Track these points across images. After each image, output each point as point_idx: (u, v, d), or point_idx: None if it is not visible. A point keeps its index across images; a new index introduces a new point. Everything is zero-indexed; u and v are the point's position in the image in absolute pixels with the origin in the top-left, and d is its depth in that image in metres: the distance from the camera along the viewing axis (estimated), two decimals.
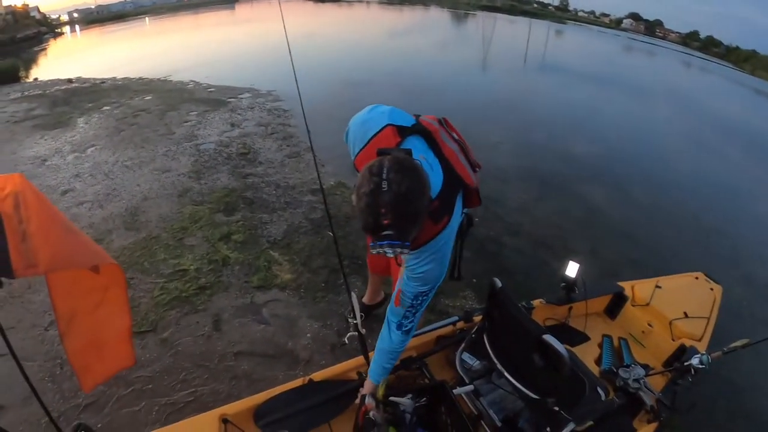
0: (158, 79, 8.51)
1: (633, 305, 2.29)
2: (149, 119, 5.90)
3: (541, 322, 2.13)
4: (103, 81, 8.47)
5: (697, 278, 2.50)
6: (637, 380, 1.83)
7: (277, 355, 2.34)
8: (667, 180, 5.73)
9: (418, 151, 1.23)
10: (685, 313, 2.17)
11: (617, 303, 2.30)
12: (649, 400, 1.78)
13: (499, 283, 1.58)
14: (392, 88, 8.15)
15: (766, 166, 7.46)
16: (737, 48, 44.37)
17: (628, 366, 1.92)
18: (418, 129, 1.29)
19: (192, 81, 8.25)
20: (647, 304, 2.25)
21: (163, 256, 3.04)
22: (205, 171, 4.34)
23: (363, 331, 1.68)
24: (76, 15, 32.58)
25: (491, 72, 12.38)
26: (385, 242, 1.00)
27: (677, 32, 53.83)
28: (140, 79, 8.61)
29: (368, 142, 1.29)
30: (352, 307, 1.68)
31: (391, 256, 1.03)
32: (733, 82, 22.56)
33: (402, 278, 1.34)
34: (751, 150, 8.23)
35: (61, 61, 13.47)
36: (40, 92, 7.56)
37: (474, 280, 3.02)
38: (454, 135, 1.43)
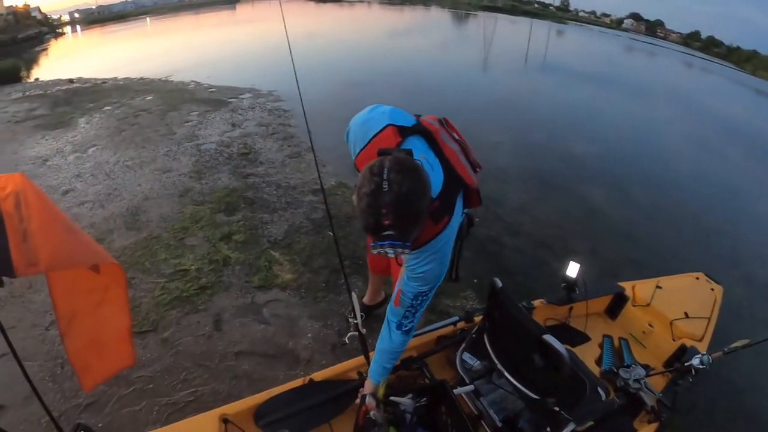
0: (159, 80, 8.52)
1: (634, 305, 2.29)
2: (150, 119, 5.90)
3: (541, 322, 2.12)
4: (104, 81, 8.48)
5: (697, 278, 2.50)
6: (637, 380, 1.83)
7: (278, 355, 2.34)
8: (667, 180, 5.73)
9: (419, 151, 1.23)
10: (685, 314, 2.16)
11: (618, 303, 2.30)
12: (649, 400, 1.78)
13: (499, 283, 1.58)
14: (393, 89, 8.15)
15: (767, 166, 7.45)
16: (738, 48, 44.36)
17: (628, 366, 1.92)
18: (419, 129, 1.29)
19: (193, 81, 8.26)
20: (648, 305, 2.25)
21: (164, 255, 3.05)
22: (206, 171, 4.35)
23: (363, 330, 1.68)
24: (77, 15, 32.61)
25: (492, 72, 12.38)
26: (386, 242, 1.00)
27: (678, 32, 53.85)
28: (141, 79, 8.62)
29: (369, 142, 1.29)
30: (353, 307, 1.68)
31: (392, 256, 1.03)
32: (734, 82, 22.55)
33: (402, 278, 1.34)
34: (752, 150, 8.23)
35: (62, 61, 13.49)
36: (41, 92, 7.58)
37: (475, 281, 3.02)
38: (455, 135, 1.43)
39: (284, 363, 2.29)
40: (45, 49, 17.30)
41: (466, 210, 1.42)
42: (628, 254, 3.74)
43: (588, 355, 2.06)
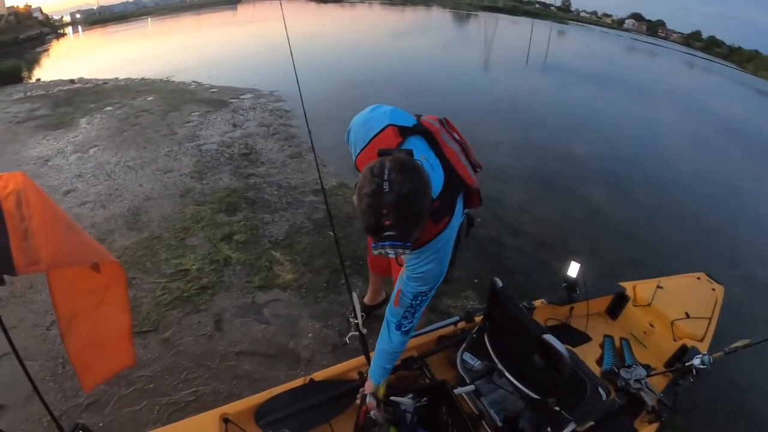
0: (160, 80, 8.53)
1: (634, 305, 2.29)
2: (151, 120, 5.91)
3: (542, 322, 2.12)
4: (105, 81, 8.50)
5: (698, 278, 2.50)
6: (638, 380, 1.83)
7: (279, 354, 2.34)
8: (668, 180, 5.72)
9: (419, 151, 1.23)
10: (686, 314, 2.16)
11: (619, 303, 2.29)
12: (650, 400, 1.78)
13: (499, 283, 1.58)
14: (394, 89, 8.16)
15: (767, 166, 7.44)
16: (740, 48, 44.21)
17: (629, 366, 1.92)
18: (420, 129, 1.29)
19: (194, 81, 8.27)
20: (649, 305, 2.25)
21: (165, 256, 3.05)
22: (207, 171, 4.35)
23: (364, 330, 1.68)
24: (78, 16, 32.66)
25: (493, 72, 12.38)
26: (387, 243, 1.00)
27: (679, 32, 53.68)
28: (142, 79, 8.63)
29: (369, 142, 1.29)
30: (354, 307, 1.68)
31: (393, 256, 1.03)
32: (736, 82, 22.50)
33: (402, 278, 1.34)
34: (752, 150, 8.21)
35: (63, 62, 13.52)
36: (42, 93, 7.59)
37: (475, 281, 3.02)
38: (455, 135, 1.43)
39: (285, 363, 2.29)
40: (46, 50, 17.33)
41: (466, 210, 1.42)
42: (629, 254, 3.74)
43: (589, 355, 2.05)
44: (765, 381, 2.61)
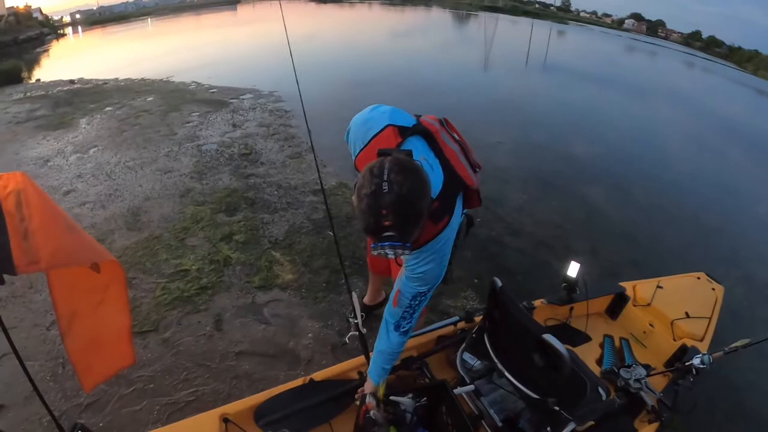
0: (160, 80, 8.52)
1: (634, 305, 2.29)
2: (151, 120, 5.92)
3: (542, 322, 2.13)
4: (105, 82, 8.49)
5: (698, 278, 2.50)
6: (638, 380, 1.83)
7: (278, 354, 2.34)
8: (667, 180, 5.72)
9: (419, 151, 1.23)
10: (686, 314, 2.16)
11: (619, 303, 2.29)
12: (650, 400, 1.78)
13: (499, 283, 1.58)
14: (394, 89, 8.15)
15: (767, 166, 7.44)
16: (739, 48, 44.23)
17: (629, 366, 1.92)
18: (419, 129, 1.29)
19: (194, 82, 8.26)
20: (649, 305, 2.25)
21: (165, 256, 3.05)
22: (207, 171, 4.36)
23: (364, 330, 1.68)
24: (78, 16, 32.59)
25: (493, 72, 12.38)
26: (387, 243, 1.00)
27: (679, 32, 53.70)
28: (142, 80, 8.63)
29: (369, 142, 1.29)
30: (353, 306, 1.68)
31: (392, 257, 1.03)
32: (735, 82, 22.50)
33: (401, 278, 1.34)
34: (752, 150, 8.22)
35: (63, 62, 13.51)
36: (42, 93, 7.59)
37: (475, 281, 3.02)
38: (455, 135, 1.43)
39: (285, 363, 2.29)
40: (46, 50, 17.30)
41: (465, 210, 1.42)
42: (629, 254, 3.74)
43: (589, 355, 2.06)
44: (764, 381, 2.62)
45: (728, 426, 2.34)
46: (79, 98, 7.14)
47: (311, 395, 1.59)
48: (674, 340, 2.08)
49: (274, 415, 1.52)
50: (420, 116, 1.41)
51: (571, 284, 2.16)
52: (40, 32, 22.60)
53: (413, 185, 0.98)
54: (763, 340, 1.78)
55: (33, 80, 9.48)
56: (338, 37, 16.87)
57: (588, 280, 2.16)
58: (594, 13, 60.92)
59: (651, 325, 2.17)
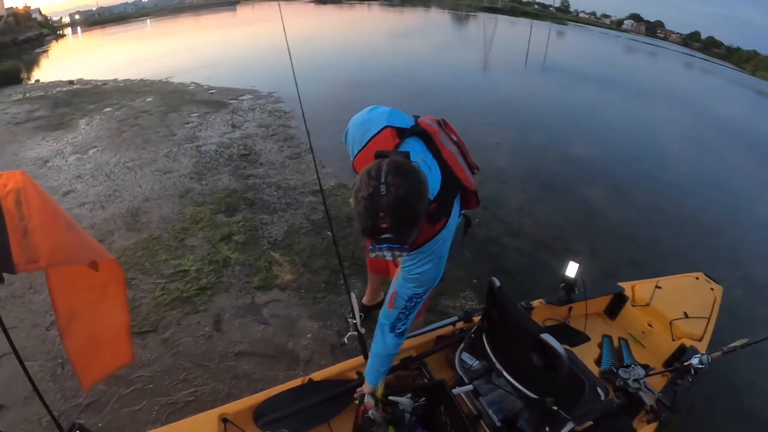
0: (159, 81, 8.53)
1: (633, 305, 2.29)
2: (150, 121, 5.92)
3: (540, 322, 2.13)
4: (104, 82, 8.50)
5: (697, 278, 2.50)
6: (637, 380, 1.83)
7: (278, 355, 2.34)
8: (667, 181, 5.72)
9: (417, 152, 1.23)
10: (685, 314, 2.17)
11: (617, 303, 2.30)
12: (648, 400, 1.78)
13: (497, 283, 1.58)
14: (393, 90, 8.16)
15: (766, 166, 7.45)
16: (738, 49, 44.30)
17: (628, 366, 1.92)
18: (417, 130, 1.29)
19: (193, 83, 8.27)
20: (647, 305, 2.25)
21: (164, 256, 3.05)
22: (206, 172, 4.36)
23: (362, 331, 1.69)
24: (77, 17, 32.59)
25: (492, 73, 12.38)
26: (384, 246, 1.00)
27: (678, 33, 53.79)
28: (142, 80, 8.63)
29: (367, 143, 1.29)
30: (352, 307, 1.68)
31: (390, 259, 1.04)
32: (734, 82, 22.52)
33: (398, 279, 1.34)
34: (751, 151, 8.23)
35: (62, 63, 13.50)
36: (41, 94, 7.59)
37: (474, 281, 3.02)
38: (453, 136, 1.43)
39: (284, 363, 2.29)
40: (45, 51, 17.29)
41: (463, 211, 1.42)
42: (628, 255, 3.74)
43: (587, 355, 2.06)
44: (763, 380, 2.62)
45: (727, 426, 2.34)
46: (79, 99, 7.14)
47: (310, 395, 1.60)
48: (673, 340, 2.09)
49: (273, 415, 1.52)
50: (418, 117, 1.42)
51: (570, 284, 2.16)
52: (40, 33, 22.59)
53: (410, 187, 0.98)
54: (762, 340, 1.78)
55: (32, 81, 9.47)
56: (337, 38, 16.88)
57: (587, 280, 2.16)
58: (593, 13, 61.05)
59: (650, 325, 2.18)
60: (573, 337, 2.12)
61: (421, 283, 1.29)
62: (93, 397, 2.03)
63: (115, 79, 8.74)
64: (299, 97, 2.25)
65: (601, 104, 9.99)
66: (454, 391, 1.58)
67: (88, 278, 1.11)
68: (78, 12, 33.73)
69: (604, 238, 3.96)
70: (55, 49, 18.48)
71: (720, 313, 2.25)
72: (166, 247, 3.16)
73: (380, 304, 2.47)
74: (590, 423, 1.58)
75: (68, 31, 26.98)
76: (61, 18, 31.13)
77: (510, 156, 5.63)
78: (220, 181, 4.18)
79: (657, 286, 2.33)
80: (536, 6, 59.73)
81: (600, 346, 2.13)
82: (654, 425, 1.73)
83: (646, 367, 1.93)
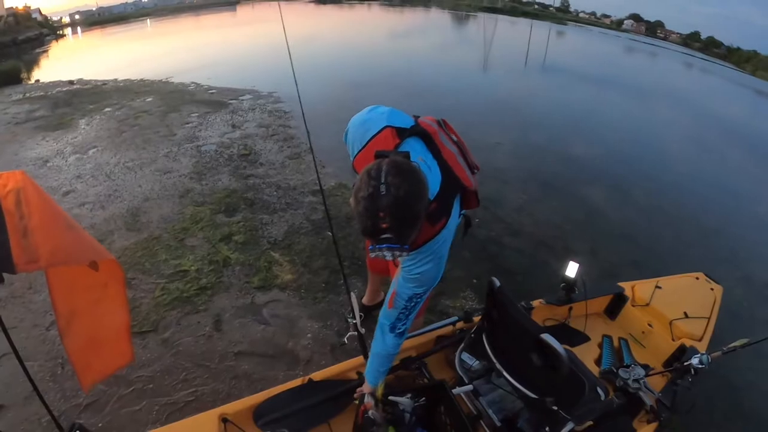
0: (159, 81, 8.53)
1: (633, 305, 2.29)
2: (150, 121, 5.92)
3: (540, 322, 2.13)
4: (104, 83, 8.50)
5: (697, 278, 2.50)
6: (636, 380, 1.83)
7: (277, 355, 2.34)
8: (666, 181, 5.72)
9: (417, 152, 1.23)
10: (685, 314, 2.16)
11: (617, 303, 2.30)
12: (648, 400, 1.78)
13: (497, 283, 1.58)
14: (393, 90, 8.16)
15: (766, 166, 7.45)
16: (738, 49, 44.28)
17: (628, 366, 1.92)
18: (417, 130, 1.29)
19: (193, 83, 8.27)
20: (647, 305, 2.25)
21: (164, 256, 3.05)
22: (206, 172, 4.36)
23: (362, 331, 1.69)
24: (77, 17, 32.57)
25: (492, 73, 12.38)
26: (384, 246, 1.00)
27: (678, 33, 53.77)
28: (141, 80, 8.63)
29: (367, 143, 1.29)
30: (352, 307, 1.68)
31: (390, 259, 1.04)
32: (734, 82, 22.52)
33: (398, 279, 1.34)
34: (751, 151, 8.23)
35: (62, 63, 13.50)
36: (41, 94, 7.59)
37: (474, 281, 3.02)
38: (453, 136, 1.43)
39: (284, 363, 2.29)
40: (45, 51, 17.28)
41: (463, 211, 1.42)
42: (628, 255, 3.74)
43: (587, 355, 2.06)
44: (763, 380, 2.62)
45: (727, 426, 2.34)
46: (79, 99, 7.14)
47: (310, 395, 1.60)
48: (673, 340, 2.09)
49: (273, 415, 1.52)
50: (418, 117, 1.42)
51: (570, 284, 2.16)
52: (40, 33, 22.57)
53: (410, 188, 0.98)
54: (762, 340, 1.78)
55: (32, 81, 9.47)
56: (337, 38, 16.88)
57: (587, 280, 2.16)
58: (593, 13, 61.02)
59: (650, 325, 2.18)
60: (573, 337, 2.12)
61: (421, 283, 1.29)
62: (93, 397, 2.03)
63: (115, 79, 8.74)
64: (299, 97, 2.25)
65: (601, 104, 9.99)
66: (454, 391, 1.58)
67: (88, 278, 1.11)
68: (78, 12, 33.71)
69: (604, 238, 3.96)
70: (55, 49, 18.47)
71: (720, 313, 2.25)
72: (166, 247, 3.16)
73: (380, 304, 2.47)
74: (590, 423, 1.58)
75: (68, 31, 26.96)
76: (61, 18, 31.12)
77: (510, 156, 5.63)
78: (220, 181, 4.18)
79: (657, 286, 2.33)
80: (536, 6, 59.71)
81: (600, 346, 2.13)
82: (654, 425, 1.73)
83: (646, 367, 1.93)
